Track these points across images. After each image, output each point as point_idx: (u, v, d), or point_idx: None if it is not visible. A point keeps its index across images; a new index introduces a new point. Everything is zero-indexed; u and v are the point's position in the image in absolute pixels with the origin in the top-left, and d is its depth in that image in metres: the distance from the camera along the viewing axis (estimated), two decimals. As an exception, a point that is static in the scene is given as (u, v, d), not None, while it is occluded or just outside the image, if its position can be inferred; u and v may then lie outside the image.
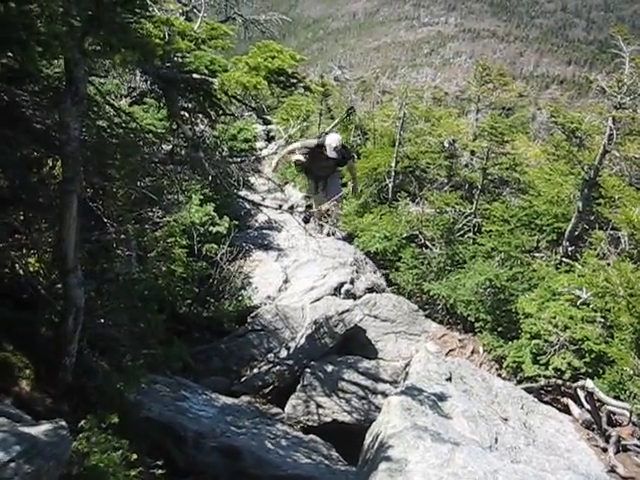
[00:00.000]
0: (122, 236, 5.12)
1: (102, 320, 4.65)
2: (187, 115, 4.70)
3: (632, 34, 7.94)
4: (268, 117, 18.26)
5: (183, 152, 4.77)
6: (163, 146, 5.02)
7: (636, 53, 7.62)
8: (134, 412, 4.46)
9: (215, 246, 8.06)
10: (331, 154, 9.17)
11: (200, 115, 4.82)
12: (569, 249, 8.20)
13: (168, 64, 3.95)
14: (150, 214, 6.22)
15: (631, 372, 5.68)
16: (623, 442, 5.83)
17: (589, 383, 6.26)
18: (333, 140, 9.17)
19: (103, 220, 4.56)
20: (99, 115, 4.30)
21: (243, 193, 11.27)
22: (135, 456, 3.64)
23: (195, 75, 3.99)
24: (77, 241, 3.72)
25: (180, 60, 4.03)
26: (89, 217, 4.48)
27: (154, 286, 5.96)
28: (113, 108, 4.49)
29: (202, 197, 8.54)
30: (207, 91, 4.12)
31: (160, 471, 3.99)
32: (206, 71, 4.00)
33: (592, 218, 8.23)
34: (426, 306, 9.04)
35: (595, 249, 7.61)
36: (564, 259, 8.11)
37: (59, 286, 4.26)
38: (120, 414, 3.75)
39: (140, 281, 5.52)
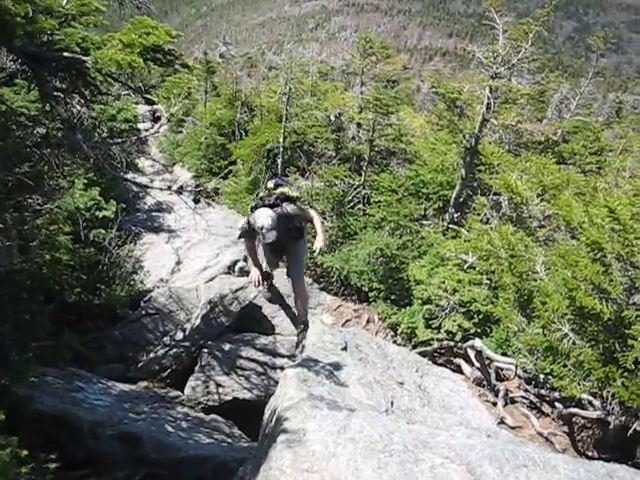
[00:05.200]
0: (0, 225, 4.89)
1: (-17, 315, 4.45)
2: (61, 95, 4.50)
3: (506, 7, 8.28)
4: (150, 96, 17.83)
5: (59, 134, 4.58)
6: (38, 129, 4.81)
7: (509, 25, 7.97)
8: (23, 407, 4.31)
9: (103, 231, 7.89)
10: (268, 238, 6.08)
11: (75, 95, 4.62)
12: (455, 215, 8.54)
13: (36, 42, 3.77)
14: (30, 201, 5.95)
15: (515, 329, 6.00)
16: (510, 395, 6.19)
17: (477, 342, 6.58)
18: (261, 219, 6.07)
19: (-23, 210, 4.34)
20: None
21: (130, 175, 11.02)
22: (26, 452, 3.52)
23: (66, 53, 3.82)
24: (-52, 232, 3.54)
25: (49, 38, 3.85)
26: (-39, 207, 4.26)
27: (38, 276, 5.74)
28: (-21, 91, 4.26)
29: (86, 181, 8.30)
30: (80, 70, 3.95)
31: (54, 465, 3.88)
32: (77, 49, 3.84)
33: (475, 185, 8.60)
34: (321, 279, 9.19)
35: (479, 214, 7.96)
36: (450, 225, 8.44)
37: None
38: (8, 410, 3.61)
39: (23, 271, 5.30)
